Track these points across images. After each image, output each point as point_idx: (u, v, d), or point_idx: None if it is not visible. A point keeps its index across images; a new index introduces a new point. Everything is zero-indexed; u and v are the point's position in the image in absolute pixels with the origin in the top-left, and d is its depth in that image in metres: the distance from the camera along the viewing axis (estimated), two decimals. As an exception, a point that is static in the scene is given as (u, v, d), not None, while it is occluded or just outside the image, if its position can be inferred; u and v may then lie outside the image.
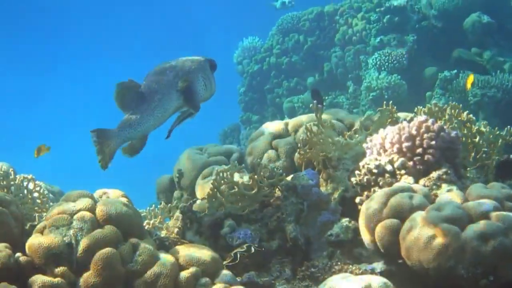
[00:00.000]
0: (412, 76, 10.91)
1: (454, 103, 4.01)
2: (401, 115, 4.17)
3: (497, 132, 3.93)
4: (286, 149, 4.11)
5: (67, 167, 21.73)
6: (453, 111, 3.90)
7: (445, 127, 3.46)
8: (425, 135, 3.36)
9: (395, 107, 3.93)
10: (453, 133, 3.44)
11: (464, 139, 3.80)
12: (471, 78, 6.39)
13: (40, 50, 30.90)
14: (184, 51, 4.46)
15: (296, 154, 3.87)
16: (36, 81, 29.36)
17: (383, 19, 11.58)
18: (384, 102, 3.90)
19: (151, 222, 3.83)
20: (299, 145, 3.92)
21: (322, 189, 3.71)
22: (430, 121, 3.41)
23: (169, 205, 3.93)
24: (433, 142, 3.35)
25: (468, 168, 3.73)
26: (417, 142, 3.38)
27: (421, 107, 4.03)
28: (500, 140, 3.90)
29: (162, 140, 3.78)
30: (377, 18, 11.64)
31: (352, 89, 11.77)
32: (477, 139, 3.83)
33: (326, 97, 10.85)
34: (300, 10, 13.49)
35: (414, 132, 3.39)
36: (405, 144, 3.39)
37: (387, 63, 10.83)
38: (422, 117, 3.43)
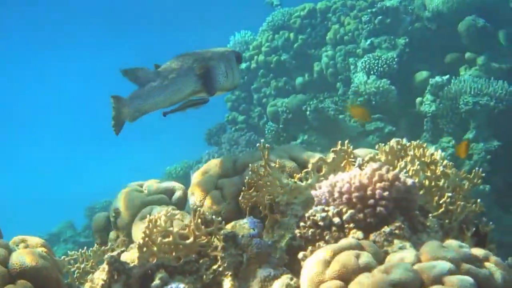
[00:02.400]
0: (403, 81, 10.66)
1: (418, 141, 3.70)
2: (360, 152, 3.87)
3: (464, 175, 3.63)
4: (231, 190, 3.79)
5: None
6: (416, 151, 3.60)
7: (401, 175, 3.16)
8: (378, 185, 3.06)
9: (351, 147, 3.62)
10: (409, 182, 3.13)
11: (427, 182, 3.51)
12: (463, 146, 6.05)
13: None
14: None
15: (240, 198, 3.57)
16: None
17: (374, 20, 11.29)
18: (339, 141, 3.57)
19: (82, 266, 3.55)
20: (243, 188, 3.62)
21: (268, 236, 3.43)
22: (384, 168, 3.10)
23: (103, 247, 3.65)
24: (386, 193, 3.04)
25: (431, 215, 3.44)
26: (369, 192, 3.07)
27: (383, 144, 3.72)
28: (467, 183, 3.60)
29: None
30: (368, 19, 11.35)
31: (342, 91, 11.49)
32: (441, 182, 3.53)
33: (311, 102, 10.54)
34: (293, 6, 13.22)
35: (365, 181, 3.08)
36: (355, 194, 3.08)
37: (376, 67, 10.57)
38: (375, 164, 3.13)
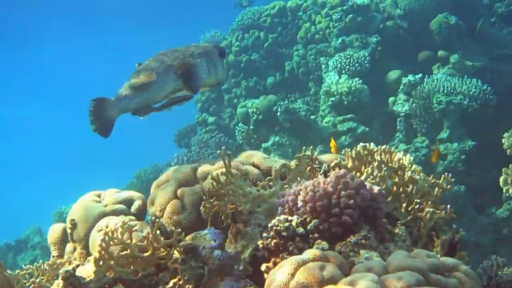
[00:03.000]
0: (375, 80, 10.62)
1: (385, 146, 3.63)
2: (326, 158, 3.79)
3: (433, 180, 3.55)
4: (192, 199, 3.69)
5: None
6: (383, 156, 3.52)
7: (366, 182, 3.08)
8: (343, 193, 2.97)
9: (316, 152, 3.54)
10: (375, 189, 3.06)
11: (395, 188, 3.43)
12: (436, 153, 6.01)
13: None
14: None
15: (202, 207, 3.46)
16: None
17: (345, 18, 11.23)
18: (304, 148, 3.48)
19: (37, 281, 3.43)
20: (204, 197, 3.52)
21: (231, 246, 3.34)
22: (349, 176, 3.02)
23: (59, 260, 3.53)
24: (352, 201, 2.96)
25: (399, 222, 3.36)
26: (334, 200, 2.99)
27: (349, 149, 3.64)
28: (436, 189, 3.53)
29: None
30: (339, 18, 11.28)
31: (313, 91, 11.42)
32: (409, 188, 3.46)
33: (282, 103, 10.46)
34: (263, 5, 13.14)
35: (330, 189, 3.00)
36: (319, 203, 2.99)
37: (348, 66, 10.52)
38: (340, 172, 3.05)
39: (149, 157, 17.55)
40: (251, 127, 11.03)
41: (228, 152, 3.37)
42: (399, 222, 3.38)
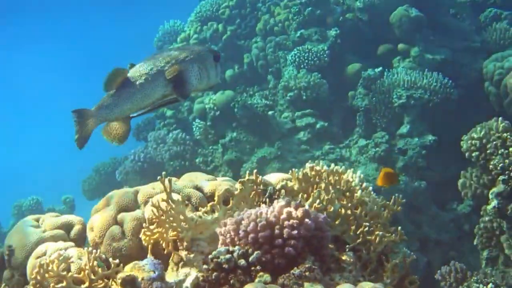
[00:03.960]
0: (334, 74, 10.60)
1: (333, 166, 3.57)
2: (272, 179, 3.71)
3: (382, 202, 3.50)
4: (133, 225, 3.57)
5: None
6: (331, 177, 3.45)
7: (311, 210, 3.02)
8: (286, 223, 2.91)
9: (260, 177, 3.45)
10: (320, 218, 3.00)
11: (343, 210, 3.37)
12: (381, 176, 5.94)
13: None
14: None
15: (142, 235, 3.35)
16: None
17: (304, 11, 11.15)
18: (247, 171, 3.40)
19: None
20: (144, 224, 3.41)
21: (173, 274, 3.25)
22: (293, 205, 2.96)
23: (-6, 289, 3.42)
24: (295, 232, 2.90)
25: (347, 246, 3.31)
26: (276, 231, 2.92)
27: (296, 170, 3.57)
28: (386, 211, 3.48)
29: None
30: (298, 11, 11.19)
31: (273, 84, 11.34)
32: (358, 211, 3.40)
33: (239, 99, 10.36)
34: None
35: (272, 219, 2.93)
36: (261, 234, 2.92)
37: (307, 60, 10.46)
38: (282, 201, 2.98)
39: (107, 150, 17.34)
40: (208, 123, 10.94)
41: (169, 177, 3.27)
42: (347, 246, 3.33)
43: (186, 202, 3.50)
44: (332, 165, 3.64)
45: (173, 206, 3.27)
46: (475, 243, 7.02)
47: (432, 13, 10.80)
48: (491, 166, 6.53)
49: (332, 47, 10.77)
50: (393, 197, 3.53)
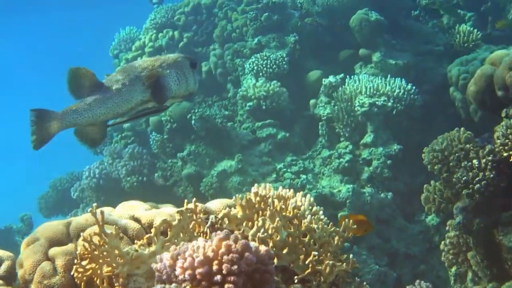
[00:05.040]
0: (295, 82, 10.52)
1: (280, 190, 3.43)
2: (214, 206, 3.56)
3: (332, 229, 3.36)
4: (65, 261, 3.40)
5: None
6: (277, 203, 3.31)
7: (252, 243, 2.87)
8: (225, 258, 2.76)
9: (200, 205, 3.31)
10: (262, 250, 2.85)
11: (291, 239, 3.23)
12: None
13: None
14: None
15: (74, 272, 3.19)
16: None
17: (260, 17, 11.03)
18: (186, 200, 3.24)
19: None
20: (75, 260, 3.25)
21: (109, 314, 3.10)
22: (232, 238, 2.81)
23: None
24: (235, 267, 2.75)
25: (296, 277, 3.17)
26: (215, 267, 2.77)
27: (240, 195, 3.42)
28: (337, 238, 3.34)
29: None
30: (255, 16, 11.08)
31: (232, 93, 11.22)
32: (307, 239, 3.27)
33: (196, 110, 10.17)
34: (176, 2, 12.87)
35: (210, 253, 2.78)
36: (199, 270, 2.77)
37: (265, 68, 10.34)
38: (221, 234, 2.83)
39: (65, 165, 17.13)
40: (165, 136, 10.77)
41: (101, 209, 3.11)
42: (296, 277, 3.19)
43: (122, 234, 3.34)
44: (280, 188, 3.51)
45: (106, 240, 3.11)
46: (442, 259, 6.94)
47: (393, 16, 10.73)
48: (454, 179, 6.42)
49: (291, 53, 10.66)
50: (344, 222, 3.40)
